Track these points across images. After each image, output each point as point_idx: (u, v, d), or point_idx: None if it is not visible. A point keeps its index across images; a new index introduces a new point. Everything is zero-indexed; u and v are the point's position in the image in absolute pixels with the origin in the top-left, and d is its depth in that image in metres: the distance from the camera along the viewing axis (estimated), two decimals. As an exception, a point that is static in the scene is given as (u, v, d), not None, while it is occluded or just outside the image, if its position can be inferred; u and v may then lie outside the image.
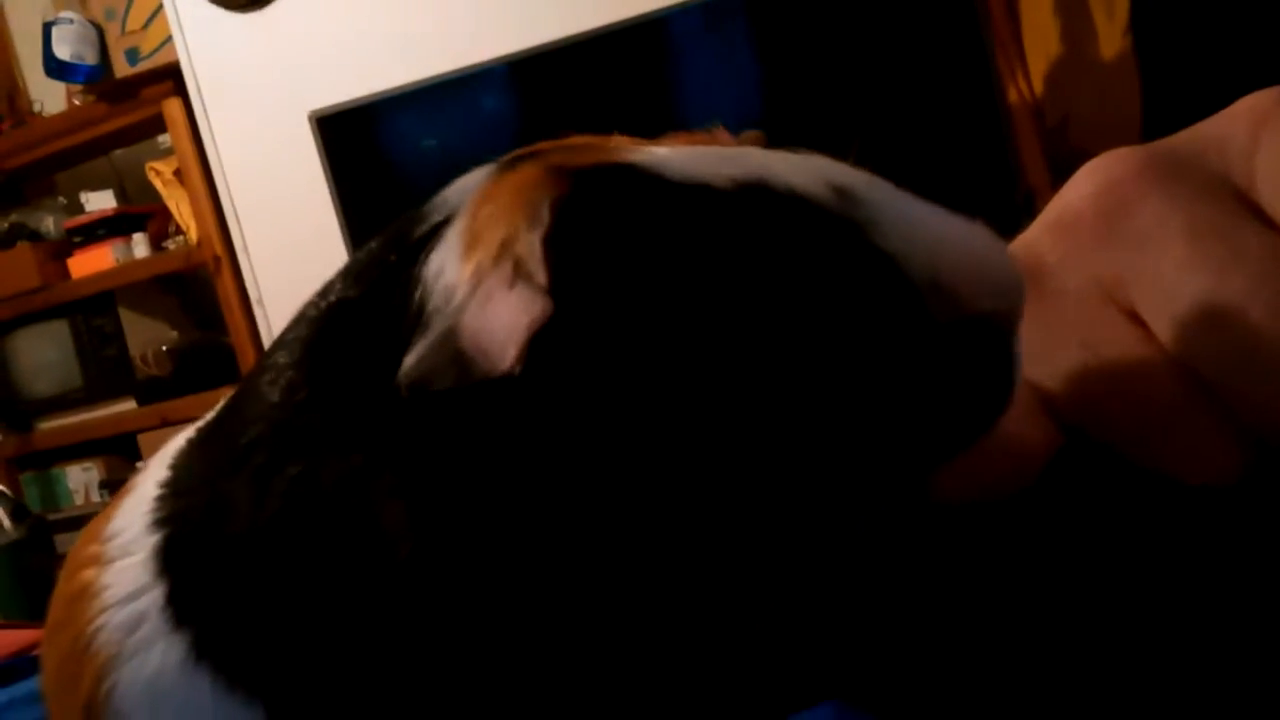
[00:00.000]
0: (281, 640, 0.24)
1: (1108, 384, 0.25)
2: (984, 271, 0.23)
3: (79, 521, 2.25)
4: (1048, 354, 0.26)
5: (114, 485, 2.35)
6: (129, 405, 2.40)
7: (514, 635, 0.23)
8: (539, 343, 0.20)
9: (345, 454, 0.23)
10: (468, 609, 0.23)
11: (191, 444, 0.28)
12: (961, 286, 0.23)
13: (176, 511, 0.26)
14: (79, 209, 2.47)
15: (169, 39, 2.07)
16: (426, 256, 0.23)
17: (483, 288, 0.21)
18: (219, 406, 0.28)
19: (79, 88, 2.34)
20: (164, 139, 2.37)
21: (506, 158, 0.25)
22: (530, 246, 0.21)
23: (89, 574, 0.27)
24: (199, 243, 2.24)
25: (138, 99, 2.24)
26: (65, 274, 2.41)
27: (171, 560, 0.26)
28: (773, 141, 0.26)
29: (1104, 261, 0.25)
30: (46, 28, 2.22)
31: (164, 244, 2.39)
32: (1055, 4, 1.67)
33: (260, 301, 2.08)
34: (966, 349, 0.23)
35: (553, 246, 0.21)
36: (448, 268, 0.22)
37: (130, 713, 0.25)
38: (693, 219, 0.22)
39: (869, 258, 0.22)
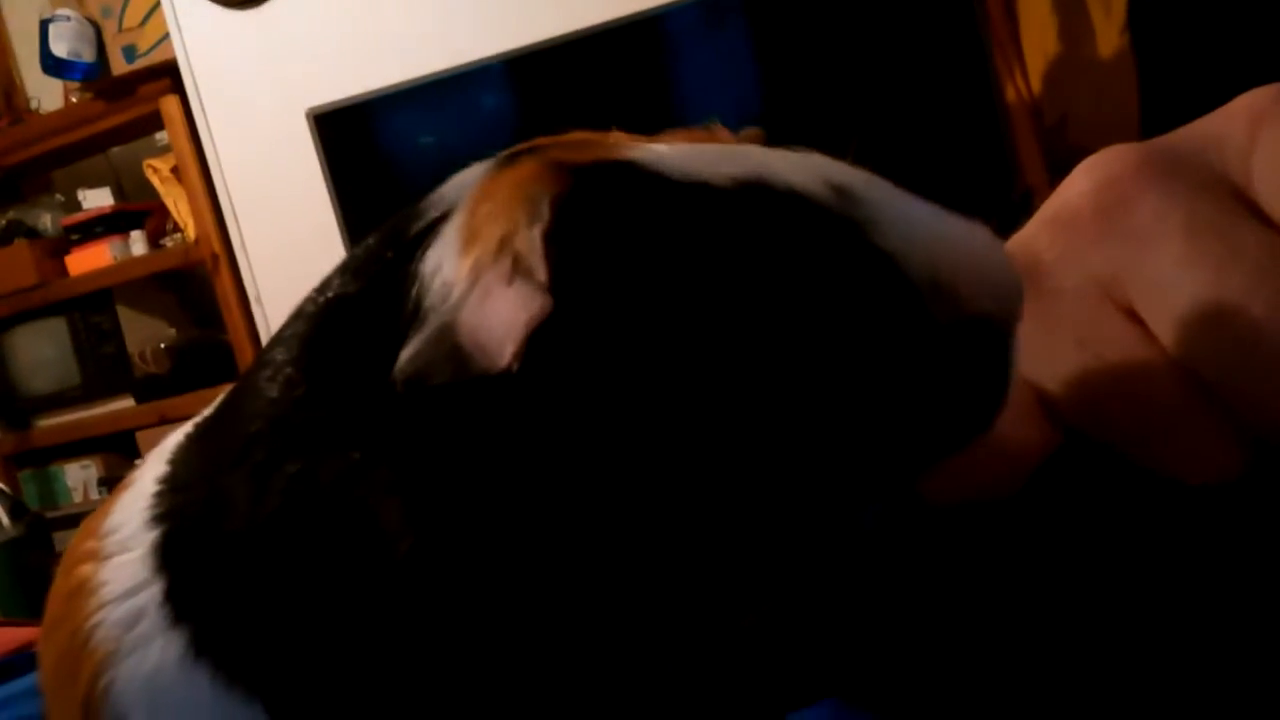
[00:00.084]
0: (281, 637, 0.24)
1: (1105, 383, 0.25)
2: (984, 273, 0.23)
3: (77, 519, 2.24)
4: (1045, 352, 0.26)
5: (112, 483, 2.34)
6: (127, 403, 2.40)
7: (511, 632, 0.23)
8: (537, 340, 0.20)
9: (343, 451, 0.23)
10: (465, 606, 0.23)
11: (190, 439, 0.28)
12: (961, 287, 0.23)
13: (175, 507, 0.26)
14: (76, 206, 2.47)
15: (166, 36, 2.07)
16: (424, 252, 0.23)
17: (481, 283, 0.21)
18: (217, 402, 0.28)
19: (76, 85, 2.33)
20: (161, 136, 2.37)
21: (504, 153, 0.25)
22: (530, 243, 0.21)
23: (86, 569, 0.27)
24: (197, 240, 2.24)
25: (135, 96, 2.24)
26: (63, 271, 2.41)
27: (170, 556, 0.26)
28: (771, 139, 0.26)
29: (1102, 259, 0.25)
30: (44, 25, 2.21)
31: (162, 241, 2.38)
32: (1053, 2, 1.67)
33: (258, 299, 2.08)
34: (964, 349, 0.23)
35: (552, 243, 0.21)
36: (445, 263, 0.22)
37: (128, 709, 0.25)
38: (692, 217, 0.22)
39: (868, 257, 0.22)
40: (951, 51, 1.66)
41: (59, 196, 2.58)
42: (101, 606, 0.26)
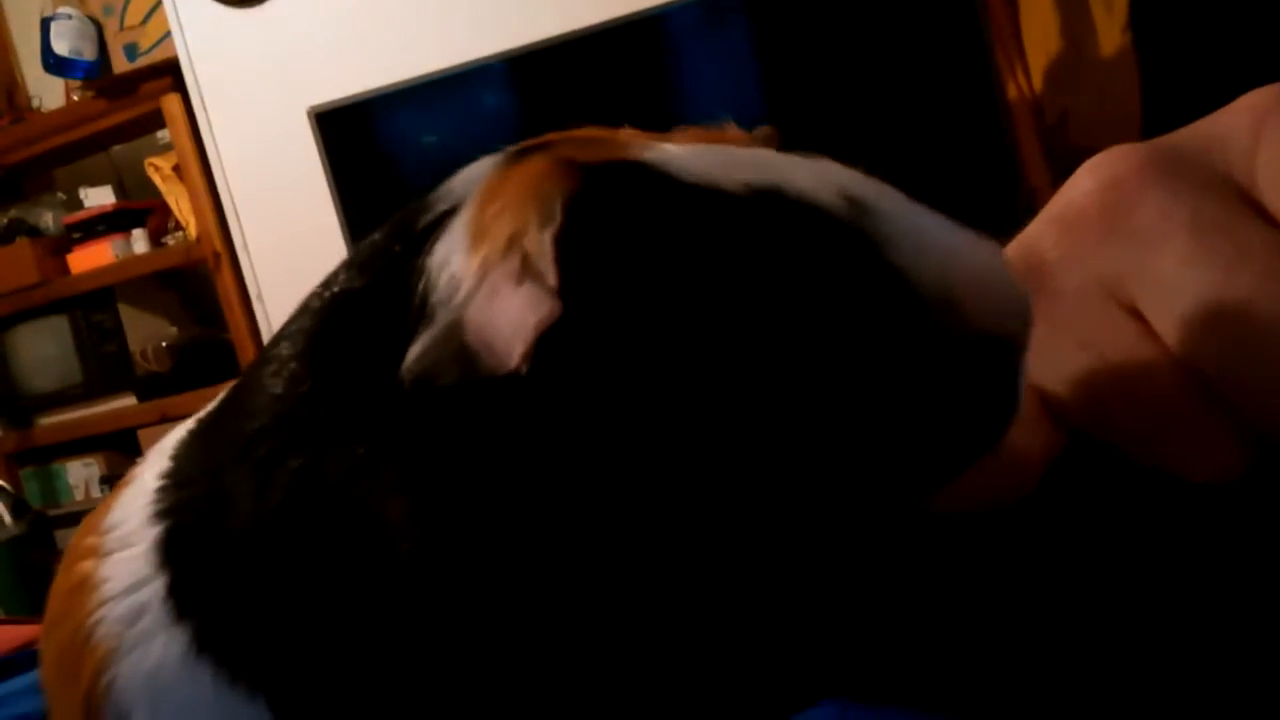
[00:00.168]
0: (284, 634, 0.24)
1: (1109, 383, 0.25)
2: (994, 291, 0.23)
3: (79, 517, 2.23)
4: (1048, 353, 0.26)
5: (114, 481, 2.33)
6: (129, 401, 2.40)
7: (516, 633, 0.23)
8: (545, 342, 0.20)
9: (348, 447, 0.23)
10: (468, 605, 0.23)
11: (193, 435, 0.28)
12: (971, 305, 0.23)
13: (178, 503, 0.26)
14: (78, 205, 2.47)
15: (167, 34, 2.07)
16: (431, 247, 0.23)
17: (489, 282, 0.21)
18: (220, 398, 0.28)
19: (78, 83, 2.34)
20: (163, 135, 2.37)
21: (513, 148, 0.24)
22: (541, 244, 0.21)
23: (88, 566, 0.27)
24: (198, 238, 2.24)
25: (136, 94, 2.24)
26: (65, 270, 2.41)
27: (173, 552, 0.25)
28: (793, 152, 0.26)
29: (1105, 259, 0.25)
30: (45, 23, 2.21)
31: (163, 240, 2.39)
32: (1055, 0, 1.67)
33: (260, 297, 2.08)
34: (973, 367, 0.23)
35: (562, 245, 0.21)
36: (453, 259, 0.22)
37: (131, 706, 0.25)
38: (705, 224, 0.22)
39: (880, 272, 0.22)
40: (953, 50, 1.66)
41: (61, 195, 2.58)
42: (103, 603, 0.26)
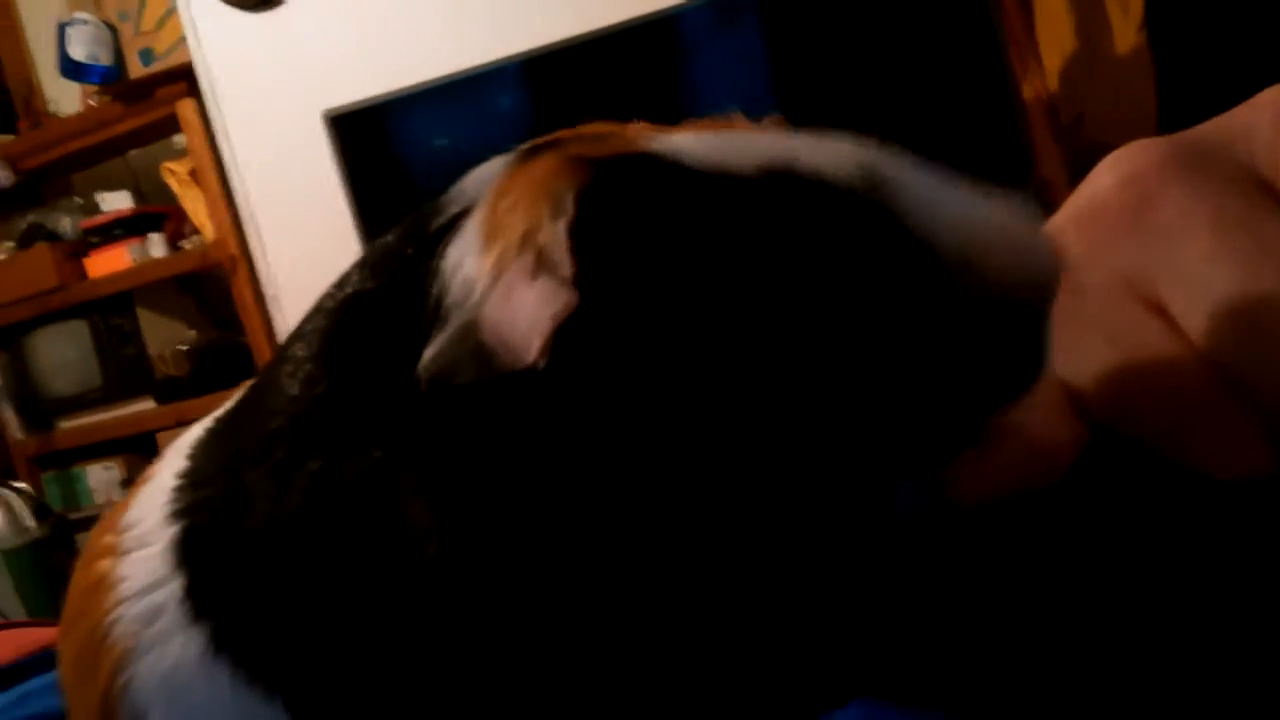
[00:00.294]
0: (303, 636, 0.24)
1: (1134, 379, 0.25)
2: (1015, 251, 0.23)
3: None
4: (1073, 349, 0.25)
5: (132, 484, 2.35)
6: (148, 404, 2.41)
7: (538, 633, 0.23)
8: (563, 335, 0.20)
9: (366, 450, 0.23)
10: (492, 607, 0.22)
11: (210, 434, 0.28)
12: (991, 265, 0.22)
13: (195, 503, 0.26)
14: (95, 209, 2.48)
15: (182, 39, 2.08)
16: (445, 248, 0.23)
17: (504, 280, 0.21)
18: (237, 397, 0.28)
19: (94, 89, 2.35)
20: (179, 139, 2.38)
21: (524, 147, 0.24)
22: (555, 237, 0.21)
23: (105, 565, 0.27)
24: (215, 242, 2.25)
25: (152, 99, 2.25)
26: (83, 274, 2.42)
27: (191, 552, 0.25)
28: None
29: (1128, 255, 0.25)
30: (61, 29, 2.23)
31: (180, 244, 2.40)
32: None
33: (276, 300, 2.09)
34: (995, 327, 0.23)
35: (575, 237, 0.21)
36: (467, 260, 0.22)
37: (147, 706, 0.25)
38: (718, 208, 0.22)
39: (898, 241, 0.22)
40: (967, 50, 1.65)
41: (78, 200, 2.60)
42: (120, 602, 0.26)
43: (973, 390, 0.23)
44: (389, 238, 0.25)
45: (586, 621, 0.23)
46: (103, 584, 0.27)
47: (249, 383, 0.28)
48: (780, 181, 0.22)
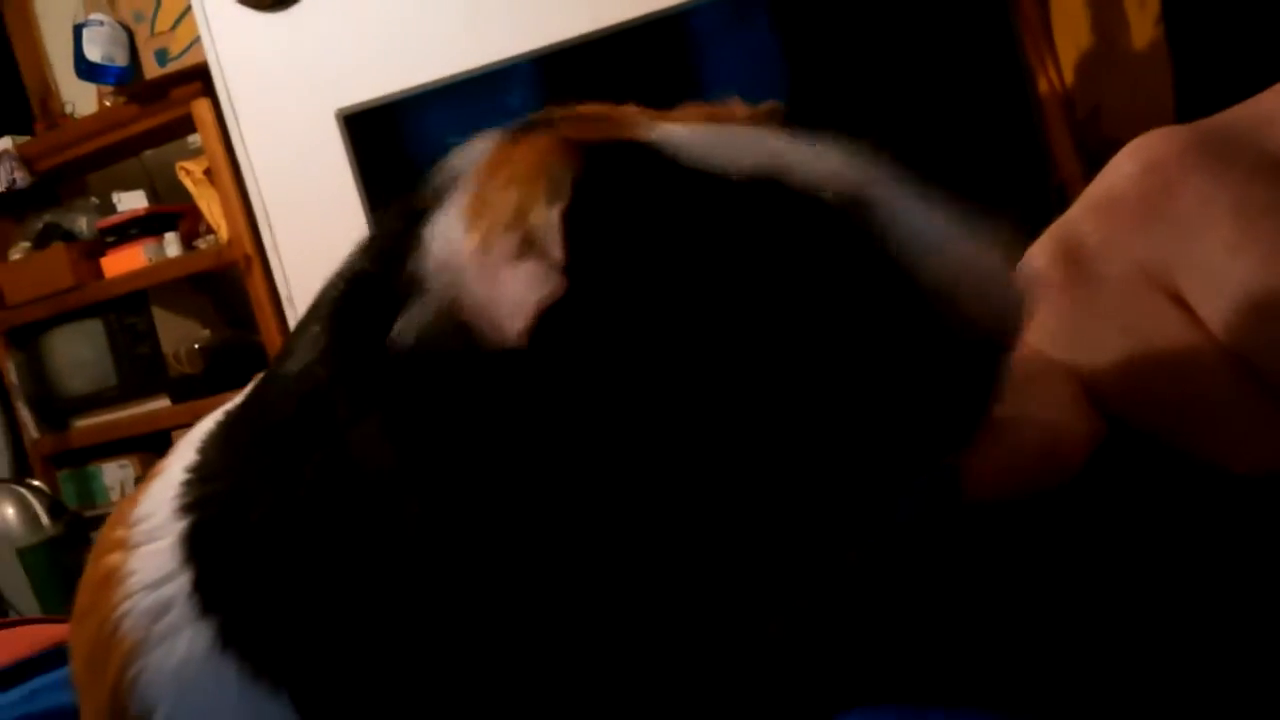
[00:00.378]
0: (308, 629, 0.24)
1: (1152, 371, 0.24)
2: (987, 290, 0.23)
3: (113, 518, 2.27)
4: (1089, 340, 0.25)
5: (147, 482, 2.37)
6: (163, 403, 2.42)
7: (538, 624, 0.23)
8: (545, 319, 0.20)
9: (369, 426, 0.23)
10: (489, 605, 0.22)
11: (220, 427, 0.28)
12: (962, 302, 0.22)
13: (204, 497, 0.26)
14: (111, 209, 2.50)
15: (197, 39, 2.09)
16: (428, 219, 0.23)
17: (489, 256, 0.21)
18: (247, 390, 0.28)
19: (110, 89, 2.36)
20: (194, 139, 2.39)
21: (515, 124, 0.24)
22: (547, 221, 0.21)
23: (115, 558, 0.27)
24: (229, 242, 2.26)
25: (167, 99, 2.26)
26: (99, 273, 2.43)
27: (199, 546, 0.26)
28: (799, 135, 0.25)
29: (1147, 244, 0.24)
30: (77, 30, 2.24)
31: (195, 243, 2.41)
32: (1086, -7, 1.65)
33: (290, 299, 2.09)
34: (956, 364, 0.23)
35: (569, 223, 0.21)
36: (449, 232, 0.22)
37: (156, 700, 0.25)
38: (706, 211, 0.22)
39: (874, 263, 0.22)
40: (983, 44, 1.65)
41: (94, 199, 2.61)
42: (129, 596, 0.26)
43: (925, 417, 0.23)
44: (384, 217, 0.25)
45: (574, 608, 0.22)
46: (113, 578, 0.27)
47: (259, 376, 0.28)
48: (770, 190, 0.22)
